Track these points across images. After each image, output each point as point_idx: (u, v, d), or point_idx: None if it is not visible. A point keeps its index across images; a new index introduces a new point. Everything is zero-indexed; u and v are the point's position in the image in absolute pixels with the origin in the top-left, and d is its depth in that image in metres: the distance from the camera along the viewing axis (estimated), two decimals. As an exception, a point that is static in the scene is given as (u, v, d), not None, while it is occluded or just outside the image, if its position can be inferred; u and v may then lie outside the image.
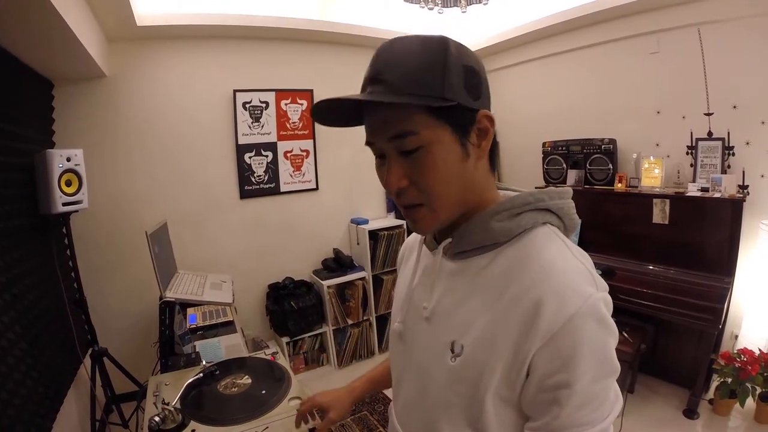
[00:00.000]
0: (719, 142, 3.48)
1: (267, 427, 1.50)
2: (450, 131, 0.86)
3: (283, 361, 1.98)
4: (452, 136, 0.86)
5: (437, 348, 0.96)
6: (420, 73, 0.83)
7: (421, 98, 0.82)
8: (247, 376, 1.85)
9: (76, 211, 2.83)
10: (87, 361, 3.06)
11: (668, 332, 3.72)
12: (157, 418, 1.50)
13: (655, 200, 3.69)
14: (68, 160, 2.71)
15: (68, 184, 2.73)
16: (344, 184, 4.78)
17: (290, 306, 4.22)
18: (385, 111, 0.87)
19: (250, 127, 4.30)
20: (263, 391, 1.75)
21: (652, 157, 3.88)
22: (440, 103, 0.82)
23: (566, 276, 0.83)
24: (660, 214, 3.67)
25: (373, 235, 4.65)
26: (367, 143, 0.93)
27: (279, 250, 4.55)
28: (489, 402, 0.87)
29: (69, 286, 3.09)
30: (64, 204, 2.68)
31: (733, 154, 3.46)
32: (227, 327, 3.01)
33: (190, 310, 3.19)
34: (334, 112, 0.94)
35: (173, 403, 1.57)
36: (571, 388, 0.78)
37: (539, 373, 0.81)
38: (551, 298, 0.80)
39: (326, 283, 4.43)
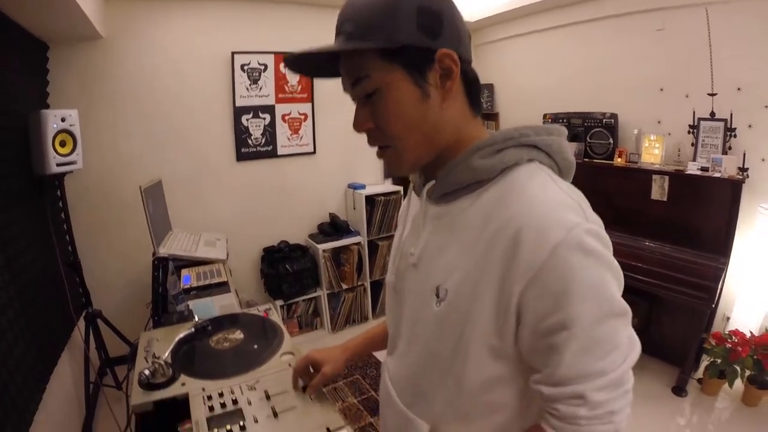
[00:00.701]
0: (721, 123, 3.48)
1: (258, 381, 1.49)
2: (403, 73, 0.86)
3: (275, 317, 1.97)
4: (406, 77, 0.86)
5: (424, 293, 0.94)
6: (371, 19, 0.84)
7: (366, 43, 0.84)
8: (239, 331, 1.84)
9: (71, 171, 2.82)
10: (81, 323, 3.08)
11: (661, 309, 3.74)
12: (147, 372, 1.49)
13: (654, 176, 3.68)
14: (63, 120, 2.69)
15: (62, 144, 2.72)
16: (342, 148, 4.75)
17: (285, 269, 4.23)
18: (345, 61, 0.91)
19: (247, 89, 4.25)
20: (255, 346, 1.75)
21: (653, 135, 3.86)
22: (384, 44, 0.83)
23: (548, 207, 0.79)
24: (659, 190, 3.67)
25: (370, 200, 4.65)
26: (344, 91, 0.97)
27: (274, 213, 4.54)
28: (474, 352, 0.85)
29: (63, 248, 3.09)
30: (59, 164, 2.67)
31: (735, 136, 3.45)
32: (221, 287, 3.00)
33: (184, 271, 3.18)
34: (310, 66, 1.05)
35: (164, 357, 1.56)
36: (569, 330, 0.74)
37: (530, 316, 0.77)
38: (531, 230, 0.76)
39: (321, 246, 4.43)
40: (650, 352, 3.82)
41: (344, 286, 4.69)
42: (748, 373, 3.20)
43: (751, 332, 3.30)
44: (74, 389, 3.03)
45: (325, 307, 4.61)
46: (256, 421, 1.30)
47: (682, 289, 3.32)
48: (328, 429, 1.26)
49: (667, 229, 3.65)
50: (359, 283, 4.79)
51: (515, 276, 0.77)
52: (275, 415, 1.32)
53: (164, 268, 2.72)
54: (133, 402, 1.43)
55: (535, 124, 0.91)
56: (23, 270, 2.46)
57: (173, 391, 1.47)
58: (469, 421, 0.95)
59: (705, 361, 3.45)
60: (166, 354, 1.60)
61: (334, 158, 4.78)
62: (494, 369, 0.86)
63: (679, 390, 3.44)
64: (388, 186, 4.94)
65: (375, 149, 0.98)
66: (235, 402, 1.38)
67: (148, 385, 1.48)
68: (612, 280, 0.78)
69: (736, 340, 3.26)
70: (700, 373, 3.52)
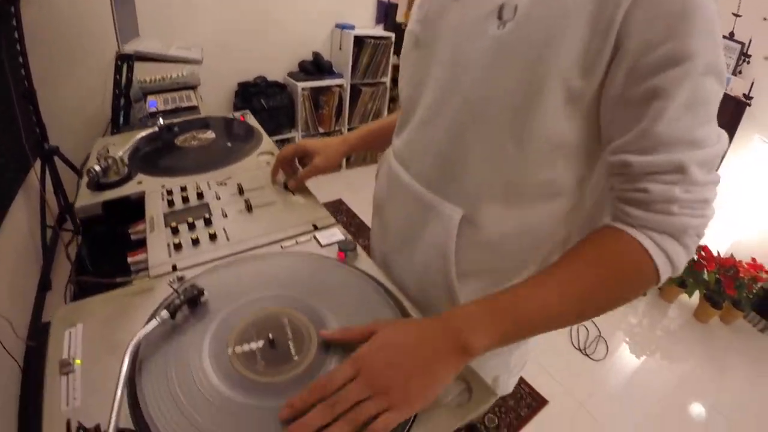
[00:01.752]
0: (738, 46, 3.39)
1: (230, 178, 1.26)
2: None
3: (253, 122, 1.69)
4: None
5: (476, 21, 0.73)
6: None
7: None
8: (210, 132, 1.60)
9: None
10: (38, 166, 2.82)
11: None
12: (97, 168, 1.24)
13: None
14: None
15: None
16: (334, -17, 4.27)
17: (260, 104, 3.91)
18: None
19: None
20: (228, 144, 1.53)
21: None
22: None
23: None
24: None
25: (359, 41, 4.24)
26: None
27: (253, 45, 4.08)
28: (547, 92, 0.66)
29: (18, 79, 2.75)
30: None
31: (748, 63, 3.38)
32: (191, 112, 2.71)
33: (150, 97, 2.87)
34: None
35: (119, 155, 1.30)
36: (681, 67, 0.58)
37: (635, 43, 0.60)
38: None
39: (301, 85, 4.08)
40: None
41: (321, 130, 4.38)
42: (704, 292, 3.30)
43: (718, 252, 3.36)
44: (30, 235, 2.85)
45: (298, 150, 4.32)
46: (225, 215, 1.09)
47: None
48: (315, 226, 1.06)
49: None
50: (336, 128, 4.50)
51: None
52: (249, 209, 1.11)
53: (128, 68, 2.41)
54: (78, 204, 1.20)
55: None
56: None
57: (127, 189, 1.25)
58: (514, 205, 0.79)
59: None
60: (122, 151, 1.34)
61: (323, -8, 4.31)
62: (563, 126, 0.70)
63: (638, 288, 3.55)
64: (380, 31, 4.50)
65: None
66: (200, 196, 1.17)
67: (97, 185, 1.24)
68: (720, 35, 0.62)
69: (703, 254, 3.32)
70: (660, 278, 3.60)
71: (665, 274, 0.66)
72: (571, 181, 0.76)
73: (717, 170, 0.66)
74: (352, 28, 4.27)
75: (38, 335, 2.42)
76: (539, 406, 2.48)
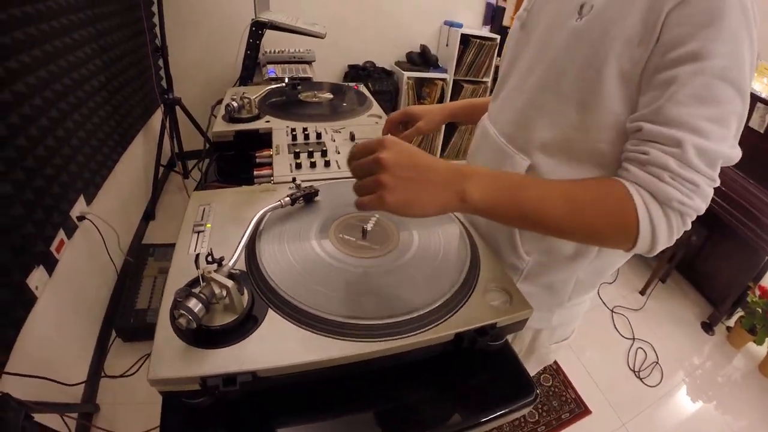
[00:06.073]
0: None
1: (344, 128, 1.51)
2: None
3: (365, 92, 1.96)
4: None
5: (563, 14, 0.91)
6: None
7: None
8: (328, 93, 1.87)
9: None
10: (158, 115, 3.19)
11: (717, 241, 3.50)
12: (234, 104, 1.52)
13: (758, 104, 3.26)
14: None
15: None
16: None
17: (367, 87, 4.11)
18: None
19: None
20: (344, 104, 1.78)
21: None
22: None
23: None
24: (758, 120, 3.28)
25: (465, 39, 4.42)
26: None
27: (365, 31, 4.35)
28: (608, 69, 0.82)
29: (153, 35, 3.13)
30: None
31: None
32: (306, 83, 2.98)
33: (269, 65, 3.16)
34: None
35: (254, 98, 1.58)
36: (695, 63, 0.72)
37: (667, 39, 0.74)
38: None
39: (407, 74, 4.31)
40: (692, 281, 3.75)
41: (421, 119, 4.57)
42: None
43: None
44: (143, 171, 3.20)
45: (396, 136, 4.54)
46: (338, 152, 1.34)
47: (750, 225, 3.04)
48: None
49: (754, 163, 3.19)
50: (437, 120, 4.66)
51: None
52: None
53: (260, 35, 2.67)
54: (215, 129, 1.48)
55: None
56: (112, 46, 2.52)
57: (257, 125, 1.52)
58: (568, 162, 0.96)
59: (738, 313, 3.34)
60: (256, 96, 1.63)
61: (434, -10, 4.51)
62: (616, 101, 0.84)
63: (707, 327, 3.35)
64: (486, 32, 4.67)
65: None
66: (318, 136, 1.42)
67: (231, 118, 1.52)
68: (749, 58, 0.74)
69: (776, 300, 3.05)
70: (731, 322, 3.40)
71: (644, 232, 0.76)
72: (614, 159, 0.89)
73: (717, 172, 0.75)
74: (460, 26, 4.45)
75: (137, 253, 2.75)
76: (582, 414, 2.52)
